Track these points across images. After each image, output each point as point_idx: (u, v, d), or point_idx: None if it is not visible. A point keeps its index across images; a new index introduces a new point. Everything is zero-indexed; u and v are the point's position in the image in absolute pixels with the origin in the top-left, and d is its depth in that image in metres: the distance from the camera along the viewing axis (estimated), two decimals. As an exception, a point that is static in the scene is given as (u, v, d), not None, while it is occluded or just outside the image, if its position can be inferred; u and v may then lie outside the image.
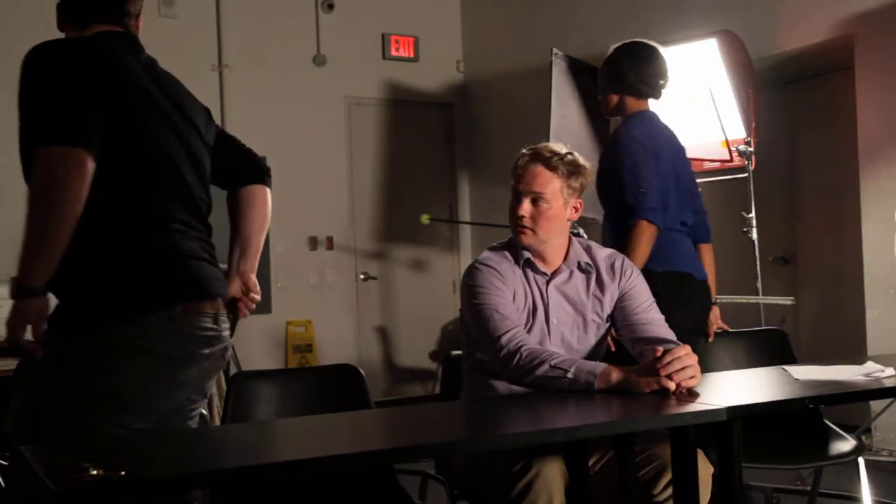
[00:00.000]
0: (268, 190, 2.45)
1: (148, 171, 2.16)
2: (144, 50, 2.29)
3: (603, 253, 2.64)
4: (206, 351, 2.17)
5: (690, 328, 3.02)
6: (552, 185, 2.50)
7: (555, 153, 2.53)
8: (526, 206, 2.51)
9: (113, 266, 2.10)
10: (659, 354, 2.23)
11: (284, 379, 2.81)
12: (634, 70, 3.25)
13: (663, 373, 2.20)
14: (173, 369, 2.12)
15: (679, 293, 3.06)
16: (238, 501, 2.51)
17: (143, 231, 2.14)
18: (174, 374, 2.12)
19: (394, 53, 7.17)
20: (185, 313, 2.11)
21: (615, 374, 2.27)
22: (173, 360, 2.11)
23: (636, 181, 3.11)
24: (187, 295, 2.13)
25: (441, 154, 7.50)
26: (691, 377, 2.21)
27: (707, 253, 3.39)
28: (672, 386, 2.19)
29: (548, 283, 2.57)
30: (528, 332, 2.51)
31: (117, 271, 2.10)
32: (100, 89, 2.08)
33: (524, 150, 2.57)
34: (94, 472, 1.52)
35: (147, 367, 2.08)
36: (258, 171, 2.44)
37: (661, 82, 3.28)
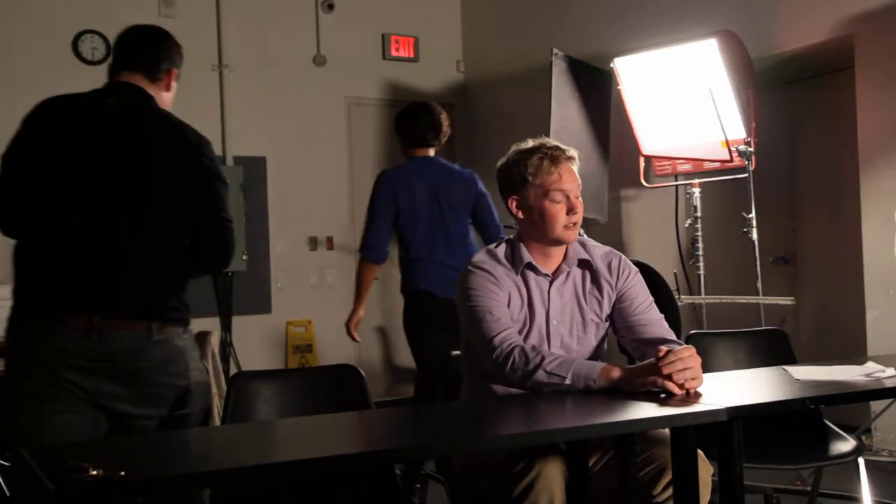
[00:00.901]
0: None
1: (43, 205, 2.50)
2: (124, 95, 2.59)
3: (599, 251, 2.63)
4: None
5: (423, 327, 4.02)
6: (579, 179, 2.55)
7: (564, 149, 2.54)
8: (579, 206, 2.51)
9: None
10: (662, 354, 2.23)
11: (284, 379, 2.81)
12: (401, 127, 4.20)
13: (665, 371, 2.20)
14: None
15: (421, 306, 4.03)
16: (238, 501, 2.51)
17: (30, 248, 2.52)
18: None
19: (394, 53, 7.17)
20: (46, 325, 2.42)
21: (615, 373, 2.28)
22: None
23: (366, 223, 4.14)
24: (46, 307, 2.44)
25: (441, 154, 7.48)
26: (693, 378, 2.22)
27: None
28: (675, 388, 2.20)
29: (550, 283, 2.55)
30: (527, 335, 2.49)
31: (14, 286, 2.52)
32: (17, 144, 2.53)
33: (537, 152, 2.52)
34: (94, 472, 1.52)
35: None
36: (215, 263, 2.67)
37: (429, 134, 4.15)
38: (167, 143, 2.57)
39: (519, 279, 2.54)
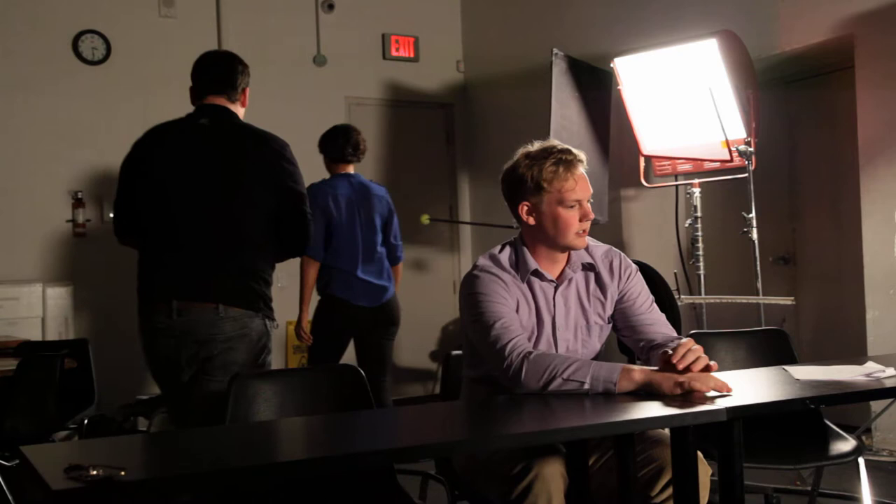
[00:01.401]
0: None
1: (143, 212, 3.13)
2: (212, 115, 3.15)
3: (600, 250, 2.60)
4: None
5: (333, 332, 4.70)
6: (590, 183, 2.52)
7: (575, 153, 2.49)
8: (591, 212, 2.49)
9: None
10: (670, 355, 2.23)
11: (284, 379, 2.80)
12: (324, 146, 4.74)
13: (681, 366, 2.20)
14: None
15: (337, 312, 4.66)
16: (238, 501, 2.51)
17: (145, 249, 3.16)
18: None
19: (394, 53, 7.17)
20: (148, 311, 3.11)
21: (637, 375, 2.25)
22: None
23: None
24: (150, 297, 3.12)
25: (441, 154, 7.50)
26: (706, 365, 2.23)
27: (396, 272, 4.83)
28: (700, 387, 2.18)
29: (556, 289, 2.52)
30: (535, 343, 2.46)
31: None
32: (127, 165, 3.18)
33: (550, 157, 2.46)
34: (94, 472, 1.52)
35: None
36: (296, 249, 3.25)
37: (348, 151, 4.67)
38: (253, 150, 3.11)
39: (525, 286, 2.50)
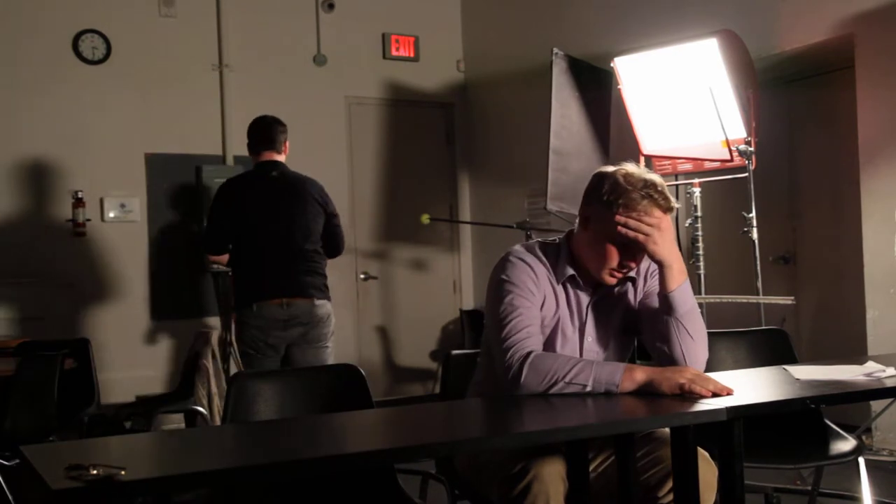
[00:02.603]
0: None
1: (245, 239, 4.37)
2: (278, 169, 4.42)
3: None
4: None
5: None
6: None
7: (669, 198, 2.33)
8: (639, 261, 2.35)
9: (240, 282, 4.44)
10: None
11: (284, 379, 2.80)
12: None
13: None
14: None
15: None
16: (238, 501, 2.51)
17: (244, 263, 4.36)
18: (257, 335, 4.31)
19: (394, 53, 7.17)
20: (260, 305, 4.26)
21: (640, 375, 2.23)
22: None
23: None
24: (261, 295, 4.27)
25: (441, 154, 7.50)
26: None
27: None
28: (700, 391, 2.17)
29: (590, 300, 2.44)
30: (560, 349, 2.39)
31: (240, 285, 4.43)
32: (219, 203, 4.42)
33: (642, 189, 2.29)
34: (94, 472, 1.52)
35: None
36: (336, 253, 4.57)
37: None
38: (309, 192, 4.42)
39: (560, 287, 2.42)
